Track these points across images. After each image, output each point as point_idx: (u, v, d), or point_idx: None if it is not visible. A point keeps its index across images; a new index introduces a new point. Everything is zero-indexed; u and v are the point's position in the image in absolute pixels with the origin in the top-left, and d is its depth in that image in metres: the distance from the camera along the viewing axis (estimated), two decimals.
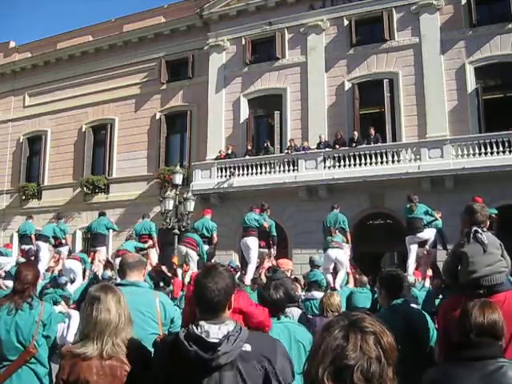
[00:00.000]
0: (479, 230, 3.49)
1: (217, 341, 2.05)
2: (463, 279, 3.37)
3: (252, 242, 10.67)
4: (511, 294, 3.25)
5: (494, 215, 9.49)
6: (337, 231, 10.64)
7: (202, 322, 2.13)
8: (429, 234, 10.12)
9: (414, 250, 10.15)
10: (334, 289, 8.72)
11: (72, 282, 10.11)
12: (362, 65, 17.84)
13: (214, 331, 2.09)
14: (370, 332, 1.38)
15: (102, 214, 13.22)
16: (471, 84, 16.46)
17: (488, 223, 3.64)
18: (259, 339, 2.23)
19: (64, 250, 12.87)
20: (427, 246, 10.17)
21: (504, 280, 3.33)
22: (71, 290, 9.16)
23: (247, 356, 2.10)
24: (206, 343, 2.04)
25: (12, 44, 25.13)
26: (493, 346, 2.26)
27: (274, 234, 11.31)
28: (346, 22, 18.17)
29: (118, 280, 3.90)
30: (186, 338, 2.09)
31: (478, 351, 2.23)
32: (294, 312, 4.81)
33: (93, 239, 12.95)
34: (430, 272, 9.53)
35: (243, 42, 19.48)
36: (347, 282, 9.57)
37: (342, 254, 10.11)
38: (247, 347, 2.11)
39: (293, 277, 8.93)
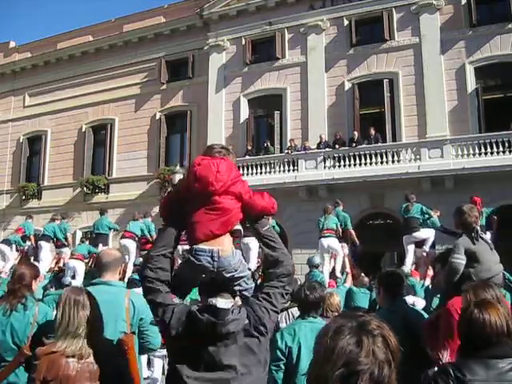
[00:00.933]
0: (479, 229, 3.50)
1: (226, 307, 2.26)
2: (476, 277, 3.37)
3: (252, 242, 10.64)
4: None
5: (493, 215, 9.47)
6: (332, 213, 10.61)
7: (209, 299, 2.32)
8: (426, 233, 10.05)
9: (411, 250, 10.11)
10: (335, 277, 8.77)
11: (72, 279, 10.12)
12: (362, 65, 17.82)
13: (221, 302, 2.29)
14: (378, 335, 1.38)
15: (102, 213, 13.26)
16: (471, 84, 16.44)
17: (479, 222, 3.66)
18: (252, 311, 2.37)
19: (66, 250, 12.84)
20: (426, 248, 10.11)
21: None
22: None
23: (248, 328, 2.32)
24: (216, 309, 2.25)
25: (12, 44, 25.15)
26: (506, 345, 2.30)
27: (277, 230, 11.41)
28: (346, 22, 18.16)
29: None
30: (198, 310, 2.28)
31: (494, 350, 2.26)
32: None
33: (94, 239, 12.97)
34: (430, 272, 9.49)
35: (243, 42, 19.47)
36: (345, 281, 9.57)
37: (335, 242, 10.10)
38: (246, 320, 2.34)
39: None
